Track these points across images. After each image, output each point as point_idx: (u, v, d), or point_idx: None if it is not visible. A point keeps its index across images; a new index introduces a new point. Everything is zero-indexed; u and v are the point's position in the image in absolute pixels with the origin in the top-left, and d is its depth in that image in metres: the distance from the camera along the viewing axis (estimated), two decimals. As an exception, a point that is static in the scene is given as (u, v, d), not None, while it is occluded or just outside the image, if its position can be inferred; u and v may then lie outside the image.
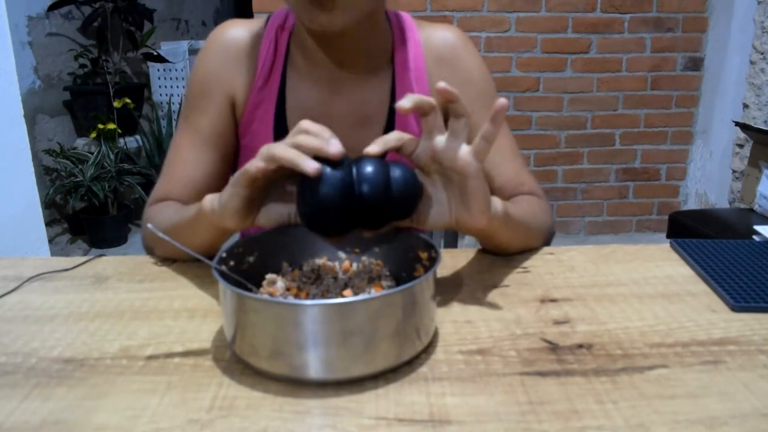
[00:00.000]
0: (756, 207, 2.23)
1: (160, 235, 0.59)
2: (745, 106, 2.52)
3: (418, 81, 0.87)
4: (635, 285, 0.73)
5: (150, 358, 0.58)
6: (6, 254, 0.92)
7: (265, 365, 0.53)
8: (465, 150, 0.60)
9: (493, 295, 0.70)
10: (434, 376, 0.54)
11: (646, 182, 2.98)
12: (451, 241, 1.11)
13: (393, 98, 0.87)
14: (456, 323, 0.63)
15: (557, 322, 0.64)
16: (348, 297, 0.57)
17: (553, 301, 0.69)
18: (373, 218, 0.60)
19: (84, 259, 0.81)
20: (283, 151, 0.56)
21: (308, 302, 0.51)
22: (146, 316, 0.66)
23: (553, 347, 0.59)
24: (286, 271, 0.67)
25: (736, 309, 0.66)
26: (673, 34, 2.78)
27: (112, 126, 2.93)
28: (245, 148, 0.90)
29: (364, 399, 0.51)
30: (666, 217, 2.37)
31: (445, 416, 0.49)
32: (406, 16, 0.90)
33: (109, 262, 0.80)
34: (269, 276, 0.65)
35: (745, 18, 2.54)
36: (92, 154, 2.90)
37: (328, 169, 0.56)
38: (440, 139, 0.61)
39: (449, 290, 0.71)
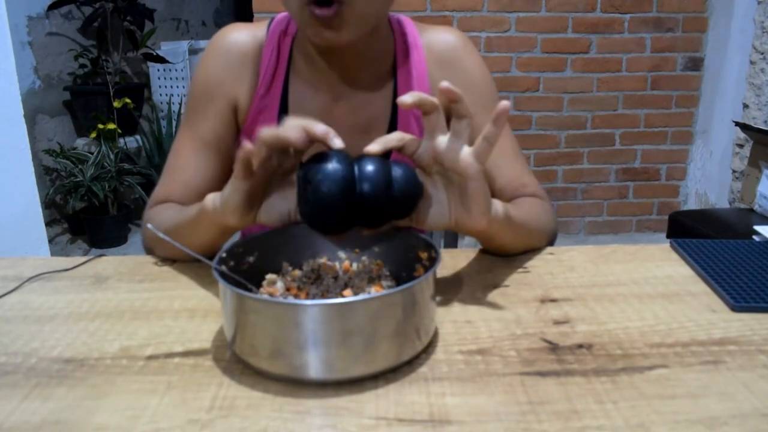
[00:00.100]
0: (756, 207, 2.23)
1: (160, 235, 0.59)
2: (745, 106, 2.52)
3: (420, 85, 0.87)
4: (635, 285, 0.73)
5: (150, 358, 0.58)
6: (6, 254, 0.92)
7: (265, 365, 0.53)
8: (466, 151, 0.60)
9: (493, 295, 0.70)
10: (434, 376, 0.54)
11: (646, 182, 2.98)
12: (451, 241, 1.11)
13: (395, 104, 0.88)
14: (456, 323, 0.63)
15: (557, 322, 0.64)
16: (348, 297, 0.57)
17: (553, 301, 0.69)
18: (374, 217, 0.60)
19: (84, 259, 0.81)
20: (271, 129, 0.57)
21: (308, 302, 0.51)
22: (146, 316, 0.66)
23: (553, 347, 0.59)
24: (286, 271, 0.67)
25: (736, 309, 0.66)
26: (673, 34, 2.78)
27: (112, 126, 2.93)
28: None
29: (364, 399, 0.51)
30: (666, 217, 2.37)
31: (445, 416, 0.49)
32: (408, 21, 0.90)
33: (109, 262, 0.80)
34: (269, 276, 0.65)
35: (745, 18, 2.54)
36: (92, 154, 2.90)
37: (329, 167, 0.56)
38: (442, 140, 0.61)
39: (449, 290, 0.71)
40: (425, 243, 0.64)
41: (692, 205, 2.97)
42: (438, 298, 0.68)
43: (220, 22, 4.46)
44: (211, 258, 0.58)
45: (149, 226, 0.62)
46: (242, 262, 0.64)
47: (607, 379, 0.54)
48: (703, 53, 2.82)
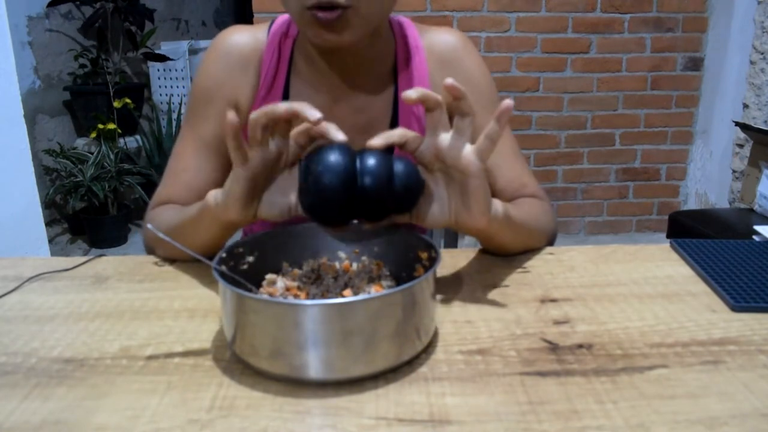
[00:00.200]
0: (756, 207, 2.23)
1: (161, 235, 0.59)
2: (745, 106, 2.52)
3: (420, 85, 0.87)
4: (635, 285, 0.73)
5: (150, 358, 0.58)
6: (6, 254, 0.92)
7: (265, 365, 0.53)
8: (468, 149, 0.60)
9: (493, 295, 0.70)
10: (434, 376, 0.54)
11: (646, 182, 2.98)
12: (451, 241, 1.11)
13: (396, 105, 0.88)
14: (456, 323, 0.63)
15: (557, 322, 0.64)
16: (348, 297, 0.57)
17: (553, 301, 0.69)
18: (374, 210, 0.60)
19: (84, 259, 0.81)
20: (260, 109, 0.58)
21: (308, 302, 0.51)
22: (146, 316, 0.66)
23: (553, 347, 0.59)
24: (286, 271, 0.67)
25: (736, 309, 0.66)
26: (673, 34, 2.78)
27: (112, 126, 2.93)
28: None
29: (364, 399, 0.51)
30: (666, 217, 2.37)
31: (445, 416, 0.49)
32: (408, 23, 0.90)
33: (109, 262, 0.80)
34: (269, 276, 0.65)
35: (745, 18, 2.54)
36: (92, 154, 2.90)
37: (331, 159, 0.57)
38: (444, 137, 0.61)
39: (449, 290, 0.71)
40: (425, 243, 0.64)
41: (692, 205, 2.97)
42: (438, 298, 0.68)
43: (220, 22, 4.46)
44: (211, 258, 0.58)
45: (149, 226, 0.62)
46: (242, 262, 0.64)
47: (607, 379, 0.54)
48: (703, 53, 2.82)
